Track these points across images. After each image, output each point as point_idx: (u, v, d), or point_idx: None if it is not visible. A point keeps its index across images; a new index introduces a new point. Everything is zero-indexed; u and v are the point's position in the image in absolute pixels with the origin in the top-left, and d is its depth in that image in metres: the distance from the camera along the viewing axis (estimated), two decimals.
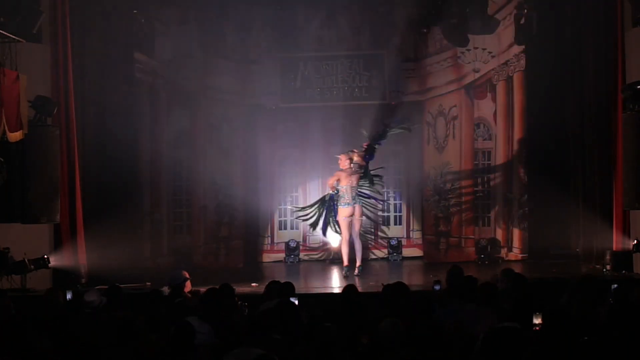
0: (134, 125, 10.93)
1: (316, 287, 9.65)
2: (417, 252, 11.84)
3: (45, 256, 9.03)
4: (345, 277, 9.75)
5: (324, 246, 11.70)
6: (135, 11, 10.83)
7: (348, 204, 9.89)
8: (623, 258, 9.36)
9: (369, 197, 10.41)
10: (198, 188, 11.55)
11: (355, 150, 10.16)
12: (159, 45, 11.20)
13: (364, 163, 10.09)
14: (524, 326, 4.50)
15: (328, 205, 10.19)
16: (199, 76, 11.46)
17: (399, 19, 11.55)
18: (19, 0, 8.74)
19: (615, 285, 6.18)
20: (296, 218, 11.31)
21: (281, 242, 11.90)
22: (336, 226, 10.18)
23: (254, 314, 5.58)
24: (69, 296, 6.89)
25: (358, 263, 9.98)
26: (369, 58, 11.76)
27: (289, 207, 11.79)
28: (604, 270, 9.35)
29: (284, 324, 4.66)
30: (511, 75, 11.33)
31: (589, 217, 10.23)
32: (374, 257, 11.79)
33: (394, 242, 11.76)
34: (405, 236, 11.98)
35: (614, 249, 9.49)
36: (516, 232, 11.32)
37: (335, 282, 9.99)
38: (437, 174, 11.57)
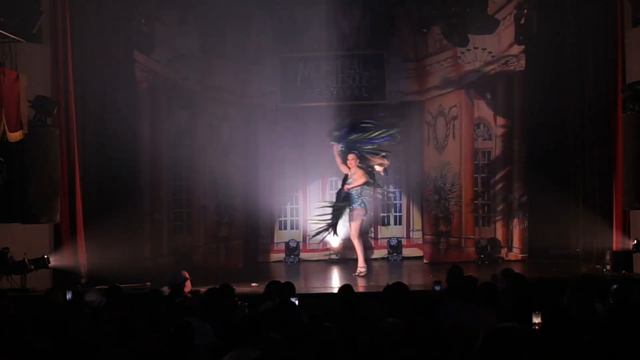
0: (134, 125, 10.94)
1: (316, 287, 9.65)
2: (417, 252, 11.82)
3: (45, 256, 9.04)
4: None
5: (324, 246, 11.69)
6: (135, 11, 10.83)
7: (362, 203, 9.97)
8: (623, 258, 9.37)
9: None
10: (198, 188, 11.53)
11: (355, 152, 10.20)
12: (159, 45, 11.20)
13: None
14: (524, 326, 4.51)
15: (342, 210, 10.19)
16: (199, 76, 11.45)
17: (399, 19, 11.55)
18: (19, 0, 8.74)
19: (615, 285, 6.19)
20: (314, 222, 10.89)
21: (281, 242, 11.88)
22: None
23: (254, 314, 5.57)
24: (69, 296, 6.92)
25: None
26: (369, 58, 11.73)
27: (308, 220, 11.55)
28: (604, 270, 9.36)
29: (284, 324, 4.67)
30: (511, 75, 11.34)
31: (589, 217, 10.23)
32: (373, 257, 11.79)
33: (394, 242, 11.75)
34: (405, 236, 11.98)
35: (614, 249, 9.50)
36: (516, 232, 11.33)
37: (335, 282, 9.98)
38: (437, 174, 11.56)
